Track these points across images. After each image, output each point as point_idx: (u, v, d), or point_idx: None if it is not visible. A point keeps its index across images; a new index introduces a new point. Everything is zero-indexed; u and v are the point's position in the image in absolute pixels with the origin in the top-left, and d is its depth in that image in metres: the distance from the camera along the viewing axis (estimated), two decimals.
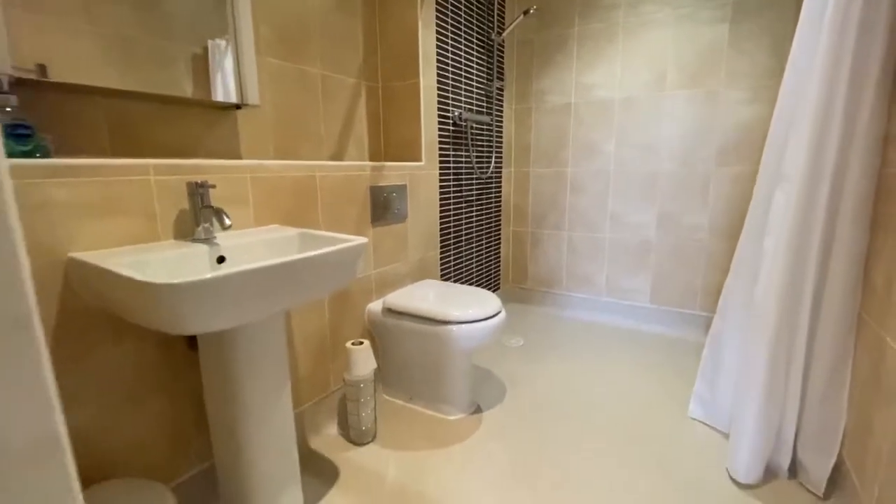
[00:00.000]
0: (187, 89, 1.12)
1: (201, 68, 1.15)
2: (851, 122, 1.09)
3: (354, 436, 1.47)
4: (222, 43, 1.18)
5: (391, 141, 1.94)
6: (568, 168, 2.57)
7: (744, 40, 2.03)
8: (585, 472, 1.34)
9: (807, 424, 1.27)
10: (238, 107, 1.27)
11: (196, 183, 1.00)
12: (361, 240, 1.05)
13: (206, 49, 1.15)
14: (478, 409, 1.68)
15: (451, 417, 1.62)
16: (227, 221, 0.96)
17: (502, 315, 1.57)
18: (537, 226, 2.74)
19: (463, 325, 1.50)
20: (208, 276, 0.69)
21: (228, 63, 1.20)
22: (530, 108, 2.62)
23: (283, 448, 1.08)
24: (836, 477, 1.21)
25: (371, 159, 1.90)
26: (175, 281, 0.65)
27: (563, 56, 2.47)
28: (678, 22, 2.16)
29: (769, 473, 1.29)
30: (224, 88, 1.20)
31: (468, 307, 1.54)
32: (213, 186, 1.02)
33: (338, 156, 1.74)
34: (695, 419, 1.59)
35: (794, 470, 1.29)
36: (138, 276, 0.67)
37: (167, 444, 1.09)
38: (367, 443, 1.48)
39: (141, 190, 0.96)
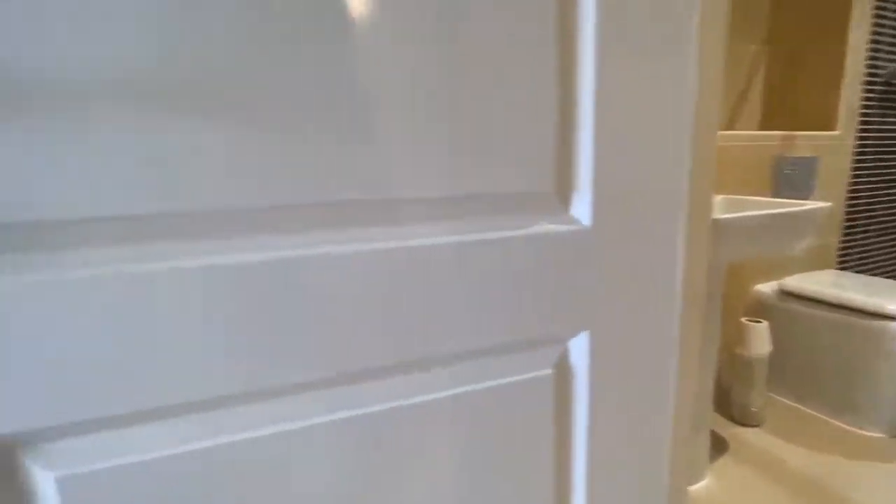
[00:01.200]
0: None
1: None
2: None
3: (738, 415, 1.43)
4: None
5: (792, 109, 1.73)
6: None
7: None
8: None
9: None
10: None
11: None
12: (825, 203, 0.99)
13: None
14: None
15: (865, 433, 1.36)
16: None
17: None
18: None
19: None
20: (735, 215, 0.80)
21: None
22: None
23: (705, 392, 1.15)
24: None
25: (759, 128, 1.74)
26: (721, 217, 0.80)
27: None
28: None
29: None
30: None
31: None
32: None
33: (729, 125, 1.68)
34: None
35: None
36: None
37: None
38: (753, 426, 1.41)
39: None
